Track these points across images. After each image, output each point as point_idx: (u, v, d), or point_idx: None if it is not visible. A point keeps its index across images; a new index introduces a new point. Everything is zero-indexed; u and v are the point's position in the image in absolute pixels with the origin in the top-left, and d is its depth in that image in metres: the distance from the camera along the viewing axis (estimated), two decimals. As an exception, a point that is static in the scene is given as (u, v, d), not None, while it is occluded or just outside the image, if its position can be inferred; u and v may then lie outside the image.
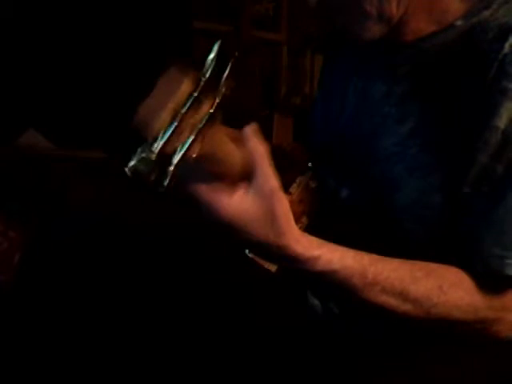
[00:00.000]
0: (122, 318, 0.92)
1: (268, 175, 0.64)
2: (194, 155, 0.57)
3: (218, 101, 0.58)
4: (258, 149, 0.64)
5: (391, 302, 0.70)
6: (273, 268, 0.74)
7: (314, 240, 0.68)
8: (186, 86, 0.56)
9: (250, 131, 0.65)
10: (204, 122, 0.57)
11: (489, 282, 0.72)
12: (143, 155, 0.55)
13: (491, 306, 0.72)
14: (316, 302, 0.91)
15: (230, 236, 0.66)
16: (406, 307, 0.70)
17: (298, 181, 0.86)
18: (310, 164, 0.91)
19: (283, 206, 0.64)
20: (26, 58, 2.13)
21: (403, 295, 0.70)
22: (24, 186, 1.65)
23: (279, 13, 3.36)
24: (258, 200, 0.63)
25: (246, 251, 0.75)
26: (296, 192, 0.85)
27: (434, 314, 0.70)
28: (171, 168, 0.56)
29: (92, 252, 1.16)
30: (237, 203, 0.63)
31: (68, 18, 2.22)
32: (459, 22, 0.77)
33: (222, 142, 0.61)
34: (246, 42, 3.08)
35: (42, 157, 1.91)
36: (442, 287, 0.71)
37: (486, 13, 0.76)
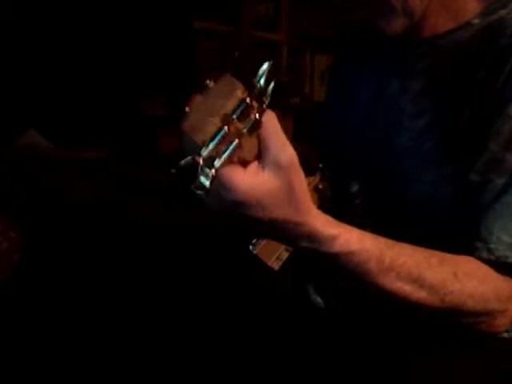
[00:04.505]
0: (121, 317, 0.92)
1: (283, 145, 0.59)
2: (236, 159, 0.57)
3: (264, 107, 0.58)
4: (270, 119, 0.59)
5: (406, 288, 0.67)
6: (276, 266, 0.74)
7: (331, 219, 0.65)
8: (239, 92, 0.57)
9: None
10: (249, 127, 0.58)
11: (497, 271, 0.71)
12: (191, 159, 0.56)
13: (499, 297, 0.71)
14: (319, 299, 0.91)
15: (243, 218, 0.60)
16: (420, 294, 0.68)
17: (306, 182, 0.86)
18: (320, 165, 0.91)
19: (301, 179, 0.60)
20: (26, 57, 2.13)
21: (419, 281, 0.68)
22: (24, 187, 1.65)
23: (279, 13, 3.37)
24: (275, 172, 0.58)
25: (250, 247, 0.74)
26: None
27: (448, 302, 0.69)
28: (213, 171, 0.56)
29: (92, 252, 1.16)
30: (251, 177, 0.58)
31: (68, 18, 2.22)
32: (476, 21, 0.79)
33: (256, 144, 0.61)
34: (245, 42, 3.08)
35: (42, 157, 1.91)
36: (457, 274, 0.69)
37: (503, 12, 0.78)
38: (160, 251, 0.97)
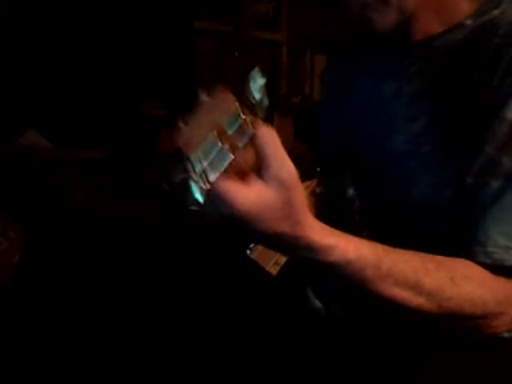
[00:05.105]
0: (120, 318, 0.92)
1: (283, 161, 0.60)
2: (231, 172, 0.58)
3: (259, 121, 0.59)
4: (270, 135, 0.60)
5: (404, 294, 0.67)
6: (274, 271, 0.74)
7: (328, 228, 0.65)
8: (234, 107, 0.58)
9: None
10: (244, 141, 0.58)
11: (495, 274, 0.71)
12: (185, 175, 0.57)
13: (498, 299, 0.71)
14: (318, 304, 0.91)
15: (243, 230, 0.62)
16: (418, 301, 0.68)
17: (304, 185, 0.86)
18: (318, 169, 0.90)
19: (301, 194, 0.62)
20: (26, 57, 2.13)
21: (417, 288, 0.68)
22: (24, 186, 1.65)
23: (279, 13, 3.37)
24: (276, 189, 0.60)
25: (248, 252, 0.74)
26: None
27: (446, 307, 0.69)
28: (208, 186, 0.57)
29: (91, 252, 1.16)
30: (254, 195, 0.60)
31: (68, 18, 2.22)
32: (469, 22, 0.78)
33: (252, 156, 0.61)
34: (245, 42, 3.08)
35: (42, 157, 1.92)
36: (454, 279, 0.69)
37: (496, 12, 0.77)
38: (159, 252, 0.97)
